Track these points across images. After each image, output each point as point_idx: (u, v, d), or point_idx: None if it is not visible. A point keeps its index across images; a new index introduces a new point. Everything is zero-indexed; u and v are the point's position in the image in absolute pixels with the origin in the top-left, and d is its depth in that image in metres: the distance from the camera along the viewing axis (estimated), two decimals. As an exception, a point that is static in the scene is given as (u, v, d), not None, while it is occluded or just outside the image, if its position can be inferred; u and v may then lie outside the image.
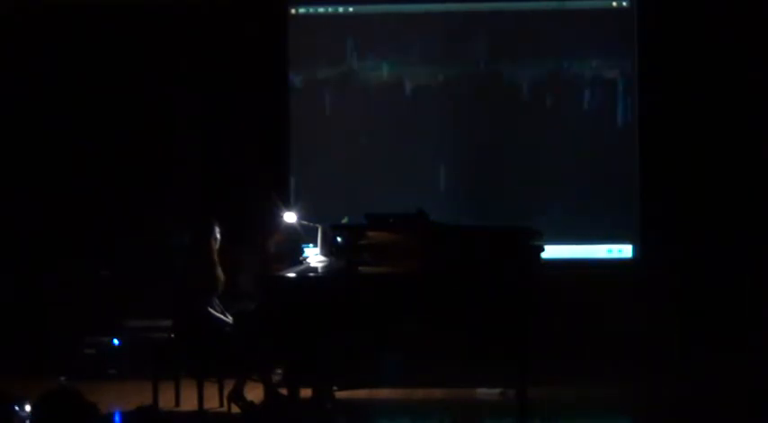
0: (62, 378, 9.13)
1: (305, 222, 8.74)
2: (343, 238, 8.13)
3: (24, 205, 10.23)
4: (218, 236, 8.26)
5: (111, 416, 7.71)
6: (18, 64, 10.26)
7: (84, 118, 10.27)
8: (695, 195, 9.95)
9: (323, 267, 8.28)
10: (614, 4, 10.16)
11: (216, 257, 8.24)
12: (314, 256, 8.45)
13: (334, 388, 8.31)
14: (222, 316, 8.15)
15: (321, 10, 10.32)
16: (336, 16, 10.34)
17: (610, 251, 10.06)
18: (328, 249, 8.42)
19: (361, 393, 8.36)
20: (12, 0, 10.24)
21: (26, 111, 10.28)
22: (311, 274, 8.10)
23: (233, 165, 10.07)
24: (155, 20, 10.19)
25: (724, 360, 9.15)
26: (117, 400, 8.34)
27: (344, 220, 8.43)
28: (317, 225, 8.55)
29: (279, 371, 8.48)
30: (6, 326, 9.88)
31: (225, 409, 8.07)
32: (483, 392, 8.52)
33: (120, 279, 9.93)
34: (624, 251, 10.07)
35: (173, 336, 8.29)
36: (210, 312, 8.08)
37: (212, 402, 8.16)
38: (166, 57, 10.22)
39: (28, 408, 5.84)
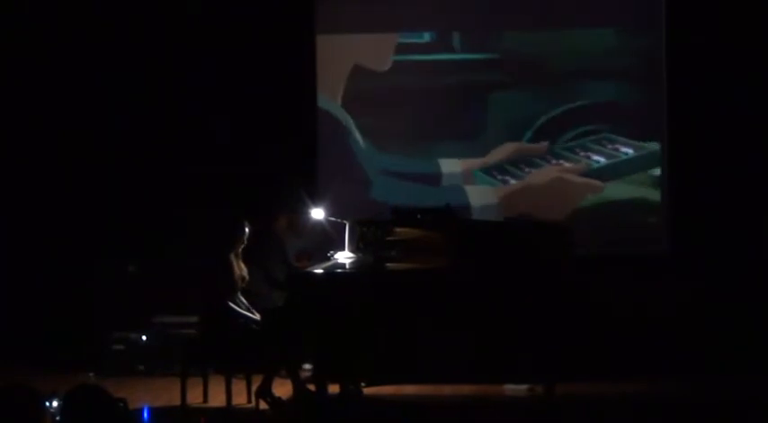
0: (91, 374, 9.19)
1: (332, 218, 8.73)
2: (370, 234, 8.14)
3: (53, 203, 10.26)
4: (245, 239, 8.24)
5: (139, 411, 7.75)
6: (47, 59, 10.31)
7: (118, 116, 10.29)
8: (728, 192, 9.90)
9: (350, 263, 8.27)
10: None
11: (237, 256, 8.23)
12: (341, 253, 8.44)
13: (362, 384, 8.30)
14: (248, 312, 8.15)
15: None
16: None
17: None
18: (356, 245, 8.41)
19: (388, 389, 8.34)
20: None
21: (59, 108, 10.32)
22: (339, 270, 8.10)
23: (262, 163, 10.06)
24: (191, 24, 10.25)
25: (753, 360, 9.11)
26: (145, 397, 8.37)
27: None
28: (345, 221, 8.54)
29: (307, 367, 8.49)
30: (36, 323, 9.93)
31: (253, 405, 8.06)
32: (511, 388, 8.50)
33: (149, 275, 9.94)
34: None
35: (200, 332, 8.30)
36: (233, 309, 8.07)
37: (240, 398, 8.16)
38: (201, 58, 10.24)
39: (56, 403, 5.87)
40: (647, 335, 9.40)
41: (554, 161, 9.68)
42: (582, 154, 9.47)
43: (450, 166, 10.05)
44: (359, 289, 7.74)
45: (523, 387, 8.44)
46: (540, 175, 9.81)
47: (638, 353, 9.22)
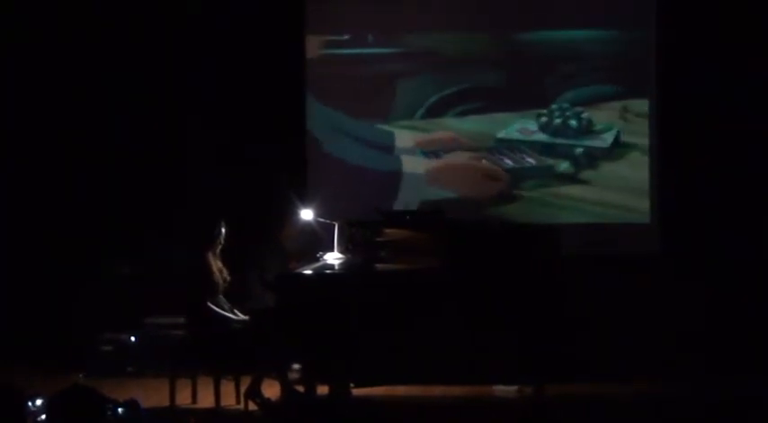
0: (80, 375, 9.18)
1: (322, 220, 8.72)
2: (359, 235, 8.13)
3: (45, 203, 10.25)
4: (222, 239, 8.23)
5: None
6: (46, 59, 10.31)
7: (110, 117, 10.28)
8: (721, 191, 9.90)
9: (340, 264, 8.27)
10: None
11: (215, 256, 8.22)
12: (330, 254, 8.43)
13: (351, 385, 8.29)
14: (231, 314, 8.13)
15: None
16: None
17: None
18: (345, 246, 8.41)
19: (378, 390, 8.33)
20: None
21: (54, 108, 10.31)
22: (328, 272, 8.09)
23: (252, 163, 10.05)
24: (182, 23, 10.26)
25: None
26: (135, 398, 8.34)
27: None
28: (334, 222, 8.54)
29: (295, 368, 8.48)
30: (26, 323, 9.91)
31: (242, 406, 8.04)
32: (500, 390, 8.49)
33: (139, 276, 9.93)
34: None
35: (187, 333, 8.29)
36: (212, 309, 8.04)
37: (229, 400, 8.15)
38: (190, 59, 10.24)
39: (39, 402, 5.87)
40: (643, 335, 9.39)
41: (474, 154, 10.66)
42: (497, 155, 10.55)
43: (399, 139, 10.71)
44: (348, 290, 7.73)
45: (513, 388, 8.43)
46: (455, 157, 10.57)
47: (634, 353, 9.20)
